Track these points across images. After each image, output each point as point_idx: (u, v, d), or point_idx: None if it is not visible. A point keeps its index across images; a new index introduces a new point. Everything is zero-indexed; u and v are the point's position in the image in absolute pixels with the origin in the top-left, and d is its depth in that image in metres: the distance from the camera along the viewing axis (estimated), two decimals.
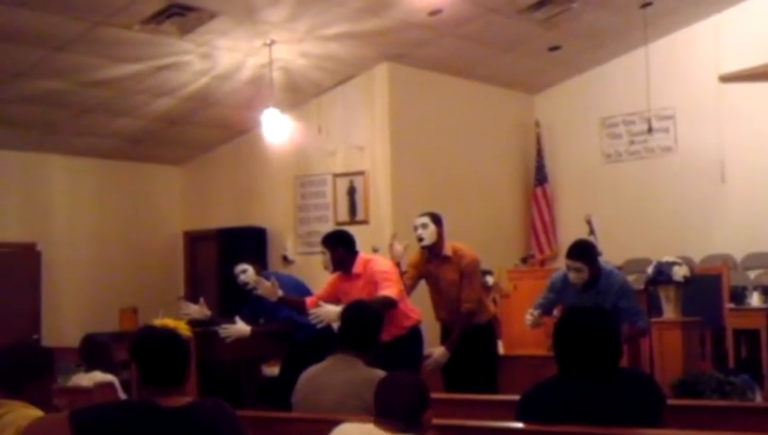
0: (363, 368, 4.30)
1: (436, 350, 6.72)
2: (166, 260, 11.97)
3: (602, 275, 6.25)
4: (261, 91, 9.97)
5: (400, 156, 10.51)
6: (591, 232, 7.39)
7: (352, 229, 7.15)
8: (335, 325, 6.48)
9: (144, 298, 10.70)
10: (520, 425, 3.65)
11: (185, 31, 8.69)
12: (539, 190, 11.88)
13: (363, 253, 6.66)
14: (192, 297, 11.54)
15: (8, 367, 3.71)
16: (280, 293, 6.68)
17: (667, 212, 11.15)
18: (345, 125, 10.74)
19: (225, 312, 10.34)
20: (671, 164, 11.27)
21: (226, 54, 9.44)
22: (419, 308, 6.68)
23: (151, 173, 12.10)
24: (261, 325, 7.21)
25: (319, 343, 6.62)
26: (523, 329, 6.85)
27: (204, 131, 11.47)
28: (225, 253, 11.43)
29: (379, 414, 3.38)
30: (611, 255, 8.26)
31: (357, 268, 6.41)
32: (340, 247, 6.48)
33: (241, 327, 6.93)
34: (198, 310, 7.18)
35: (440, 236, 6.70)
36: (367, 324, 4.55)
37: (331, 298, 6.42)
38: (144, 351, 3.26)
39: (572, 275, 6.20)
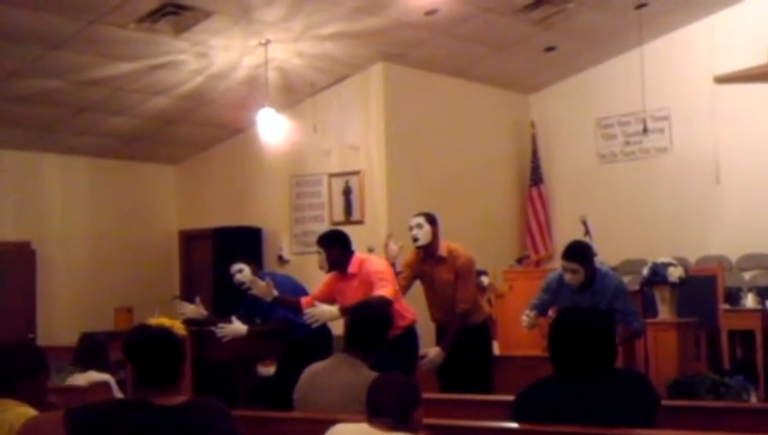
0: (365, 370, 4.29)
1: (431, 350, 6.72)
2: (161, 259, 11.96)
3: (598, 277, 6.26)
4: (256, 90, 9.97)
5: (396, 156, 10.51)
6: (587, 233, 7.39)
7: (348, 229, 7.15)
8: (330, 325, 6.52)
9: (139, 297, 10.68)
10: (515, 425, 3.65)
11: (180, 30, 8.68)
12: (534, 191, 11.89)
13: (359, 253, 6.66)
14: (187, 296, 11.53)
15: (3, 366, 3.71)
16: (275, 293, 6.69)
17: (662, 213, 11.16)
18: (340, 125, 10.74)
19: (221, 311, 10.32)
20: (666, 165, 11.29)
21: (222, 54, 9.43)
22: (414, 308, 6.68)
23: (146, 172, 12.08)
24: (257, 325, 7.21)
25: (315, 342, 6.63)
26: (519, 329, 6.85)
27: (199, 131, 11.46)
28: (220, 252, 11.41)
29: (371, 413, 3.41)
30: (606, 255, 8.27)
31: (352, 268, 6.41)
32: (335, 247, 6.48)
33: (237, 327, 6.93)
34: (195, 310, 7.19)
35: (435, 236, 6.71)
36: (375, 327, 4.55)
37: (327, 298, 6.42)
38: (139, 350, 3.25)
39: (568, 276, 6.21)
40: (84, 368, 6.05)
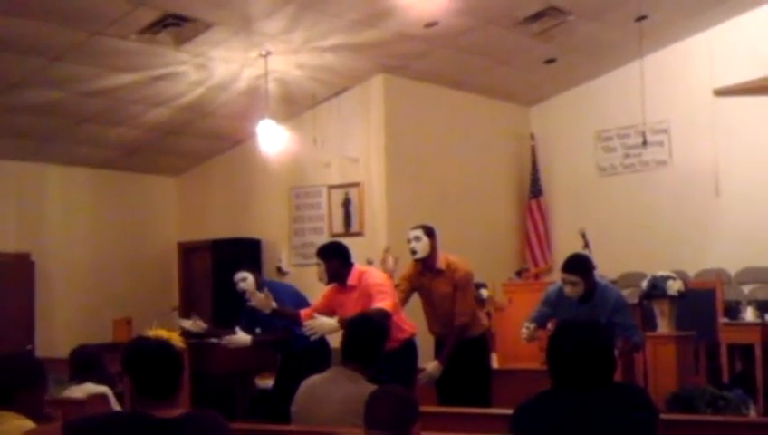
0: (363, 383, 4.29)
1: (429, 364, 6.71)
2: (160, 271, 11.95)
3: (597, 290, 6.26)
4: (256, 101, 9.98)
5: (395, 168, 10.52)
6: (586, 245, 7.41)
7: (347, 241, 7.15)
8: (329, 337, 6.51)
9: (138, 309, 10.66)
10: None
11: (181, 41, 8.70)
12: (534, 203, 11.89)
13: (358, 265, 6.66)
14: (186, 308, 11.55)
15: (1, 377, 3.70)
16: (273, 305, 6.69)
17: (661, 226, 11.16)
18: (340, 136, 10.75)
19: (220, 322, 10.35)
20: (666, 178, 11.29)
21: (222, 65, 9.45)
22: (413, 321, 6.68)
23: (146, 183, 12.08)
24: (260, 335, 7.22)
25: (313, 354, 6.63)
26: (518, 342, 6.85)
27: (199, 142, 11.47)
28: (219, 264, 11.41)
29: (369, 426, 3.40)
30: (606, 268, 8.28)
31: (352, 280, 6.40)
32: (334, 259, 6.48)
33: (242, 337, 7.03)
34: (193, 324, 7.20)
35: (433, 248, 6.71)
36: (372, 339, 4.54)
37: (326, 310, 6.42)
38: (136, 362, 3.25)
39: (568, 289, 6.21)
40: (81, 380, 6.02)
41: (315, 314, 6.35)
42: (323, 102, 10.80)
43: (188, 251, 12.04)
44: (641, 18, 9.90)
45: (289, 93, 10.34)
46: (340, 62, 9.83)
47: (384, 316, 6.02)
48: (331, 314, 6.32)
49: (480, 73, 10.89)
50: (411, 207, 10.36)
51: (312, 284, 7.51)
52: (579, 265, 6.24)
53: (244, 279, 7.26)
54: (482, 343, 6.90)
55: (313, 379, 4.51)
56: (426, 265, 6.75)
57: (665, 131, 11.24)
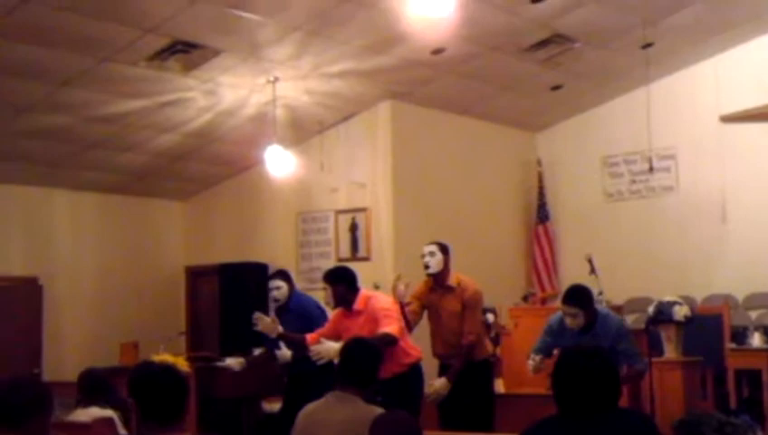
0: (362, 405, 4.30)
1: (437, 381, 6.69)
2: (167, 295, 11.95)
3: (599, 319, 6.28)
4: (264, 127, 10.02)
5: (402, 193, 10.54)
6: (592, 271, 7.41)
7: (354, 266, 7.16)
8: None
9: (145, 333, 10.66)
10: None
11: (189, 68, 8.76)
12: (540, 228, 11.89)
13: (365, 289, 6.69)
14: (194, 332, 11.57)
15: (8, 402, 3.71)
16: (279, 329, 6.74)
17: (668, 252, 11.14)
18: (348, 162, 10.78)
19: (227, 346, 10.35)
20: (672, 203, 11.29)
21: (230, 91, 9.50)
22: (419, 346, 6.68)
23: (154, 208, 12.12)
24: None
25: (321, 376, 6.62)
26: (524, 367, 6.84)
27: (207, 167, 11.51)
28: (226, 288, 11.42)
29: None
30: (612, 294, 8.28)
31: (358, 305, 6.43)
32: (341, 284, 6.51)
33: (285, 352, 7.00)
34: (270, 323, 6.90)
35: (446, 265, 6.78)
36: (366, 361, 4.55)
37: (333, 335, 6.44)
38: (142, 386, 3.26)
39: (569, 321, 6.24)
40: (87, 404, 6.02)
41: (321, 339, 6.36)
42: (331, 128, 10.84)
43: (195, 275, 12.05)
44: (647, 45, 9.94)
45: (296, 119, 10.38)
46: (347, 88, 9.87)
47: (390, 341, 6.05)
48: (337, 338, 6.33)
49: (487, 100, 10.93)
50: (418, 233, 10.34)
51: None
52: (578, 297, 6.26)
53: (278, 288, 7.30)
54: (486, 368, 6.90)
55: (311, 405, 4.53)
56: (437, 282, 6.79)
57: (671, 157, 11.25)
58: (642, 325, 8.33)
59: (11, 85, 8.61)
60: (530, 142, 12.38)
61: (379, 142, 10.61)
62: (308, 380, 6.77)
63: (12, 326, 10.24)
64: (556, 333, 6.45)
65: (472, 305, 6.75)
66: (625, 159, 11.62)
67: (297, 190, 10.98)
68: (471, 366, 6.71)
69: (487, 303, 8.12)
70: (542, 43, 9.57)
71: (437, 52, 9.28)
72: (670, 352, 8.05)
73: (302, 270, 11.16)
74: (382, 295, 6.87)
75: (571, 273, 8.69)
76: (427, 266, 6.75)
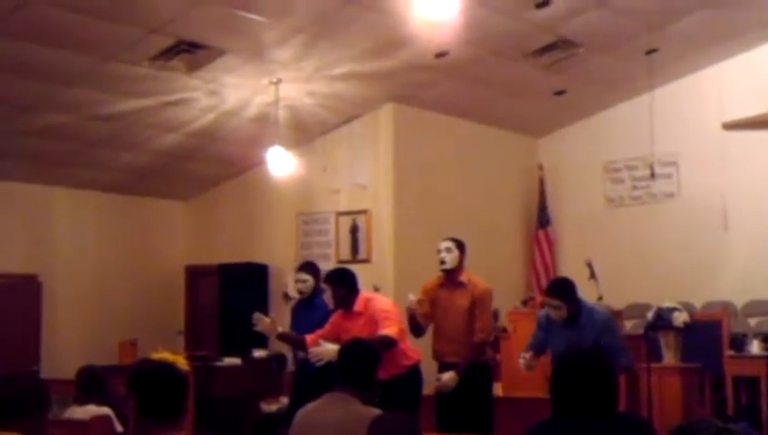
0: (359, 406, 4.30)
1: (445, 374, 6.66)
2: (166, 294, 11.96)
3: (584, 312, 6.28)
4: (266, 128, 10.04)
5: (403, 196, 10.55)
6: (592, 276, 7.40)
7: (354, 268, 7.17)
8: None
9: (144, 332, 10.69)
10: None
11: (193, 68, 8.77)
12: (541, 233, 11.89)
13: (365, 291, 6.69)
14: (192, 332, 11.58)
15: (6, 398, 3.71)
16: (279, 329, 6.74)
17: (668, 258, 11.14)
18: (349, 164, 10.79)
19: (226, 347, 10.37)
20: (673, 210, 11.29)
21: (233, 92, 9.52)
22: (419, 348, 6.68)
23: (155, 207, 12.14)
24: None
25: (326, 374, 6.61)
26: (521, 371, 6.85)
27: (209, 167, 11.53)
28: (225, 288, 11.46)
29: None
30: (612, 299, 8.26)
31: (358, 306, 6.44)
32: (342, 286, 6.51)
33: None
34: (270, 324, 6.85)
35: (461, 262, 6.76)
36: (364, 362, 4.55)
37: (332, 336, 6.43)
38: (142, 383, 3.27)
39: (552, 312, 6.27)
40: (84, 401, 6.02)
41: (320, 341, 6.36)
42: (333, 130, 10.86)
43: (195, 275, 12.06)
44: (651, 51, 9.94)
45: (299, 121, 10.40)
46: (350, 90, 9.89)
47: (389, 342, 6.05)
48: (336, 340, 6.33)
49: (489, 104, 10.94)
50: (418, 235, 10.38)
51: None
52: (560, 289, 6.31)
53: (304, 281, 7.27)
54: (485, 370, 6.90)
55: (309, 406, 4.52)
56: (449, 277, 6.78)
57: (673, 164, 11.25)
58: (641, 331, 8.33)
59: (14, 84, 8.64)
60: (532, 147, 12.39)
61: (381, 145, 10.63)
62: (314, 376, 6.75)
63: (11, 323, 10.26)
64: (545, 328, 6.47)
65: (483, 303, 6.75)
66: (627, 165, 11.62)
67: (298, 191, 11.00)
68: (473, 368, 6.70)
69: None
70: (546, 48, 9.57)
71: (440, 55, 9.29)
72: (669, 358, 8.05)
73: None
74: (382, 297, 6.87)
75: (571, 277, 8.66)
76: (442, 262, 6.75)
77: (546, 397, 3.60)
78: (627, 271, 10.93)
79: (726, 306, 10.23)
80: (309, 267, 7.48)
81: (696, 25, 9.63)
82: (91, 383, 6.16)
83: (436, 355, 6.91)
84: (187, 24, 7.96)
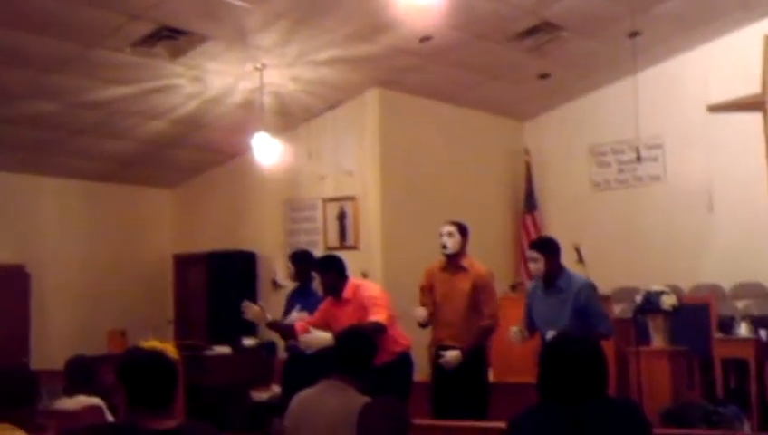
0: (355, 395, 4.29)
1: (450, 352, 6.63)
2: (155, 283, 11.94)
3: (563, 275, 6.41)
4: (251, 114, 10.00)
5: (390, 181, 10.53)
6: (580, 260, 7.39)
7: (342, 254, 7.15)
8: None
9: (133, 321, 10.66)
10: None
11: (176, 54, 8.72)
12: (528, 218, 11.89)
13: (353, 278, 6.68)
14: (182, 320, 11.54)
15: None
16: (269, 317, 6.73)
17: (655, 241, 11.17)
18: (335, 150, 10.77)
19: (215, 335, 10.34)
20: (659, 193, 11.31)
21: (217, 78, 9.47)
22: (409, 334, 6.68)
23: (141, 196, 12.09)
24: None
25: (318, 359, 6.60)
26: (513, 356, 6.87)
27: (194, 155, 11.48)
28: (214, 276, 11.43)
29: None
30: (600, 283, 8.21)
31: (347, 293, 6.43)
32: (330, 272, 6.51)
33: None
34: (259, 312, 6.80)
35: (463, 246, 6.76)
36: (361, 350, 4.55)
37: (322, 323, 6.43)
38: (131, 372, 3.24)
39: (531, 266, 6.47)
40: (73, 392, 5.99)
41: (310, 328, 6.35)
42: (318, 116, 10.83)
43: (183, 263, 12.03)
44: (635, 34, 9.94)
45: (284, 106, 10.36)
46: (334, 75, 9.85)
47: (378, 329, 6.04)
48: (326, 327, 6.32)
49: (474, 88, 10.92)
50: (406, 221, 10.38)
51: None
52: (541, 244, 6.56)
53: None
54: (483, 355, 6.89)
55: (304, 393, 4.52)
56: (450, 262, 6.78)
57: (659, 147, 11.27)
58: (630, 315, 8.35)
59: None
60: (517, 131, 12.38)
61: (367, 130, 10.60)
62: (308, 362, 6.74)
63: None
64: (530, 295, 6.63)
65: (488, 288, 6.76)
66: (612, 149, 11.63)
67: (285, 178, 10.96)
68: (472, 352, 6.69)
69: None
70: (530, 32, 9.56)
71: (425, 40, 9.26)
72: (657, 341, 8.07)
73: None
74: (371, 284, 6.87)
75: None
76: (444, 246, 6.76)
77: (535, 382, 3.59)
78: (614, 255, 10.94)
79: (714, 289, 10.26)
80: (300, 257, 7.56)
81: (679, 8, 9.63)
82: (80, 373, 6.13)
83: (434, 340, 6.90)
84: (168, 9, 7.90)
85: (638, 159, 10.45)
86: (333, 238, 10.78)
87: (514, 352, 6.98)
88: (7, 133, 9.81)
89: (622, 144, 11.38)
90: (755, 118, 10.60)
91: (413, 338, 6.72)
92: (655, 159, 11.28)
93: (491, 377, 7.83)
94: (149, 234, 12.11)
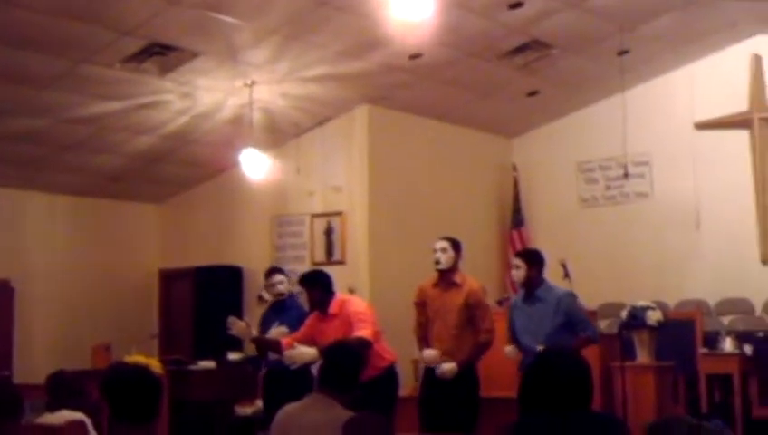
0: (340, 410, 4.29)
1: (446, 363, 6.61)
2: (140, 297, 11.91)
3: (543, 285, 6.63)
4: (240, 130, 10.01)
5: (378, 197, 10.55)
6: (566, 275, 7.42)
7: (329, 270, 7.16)
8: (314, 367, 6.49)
9: (118, 335, 10.57)
10: None
11: (166, 70, 8.74)
12: (515, 233, 11.91)
13: (340, 293, 6.69)
14: (167, 335, 11.52)
15: None
16: (253, 332, 6.74)
17: (641, 257, 11.21)
18: (324, 166, 10.78)
19: (200, 350, 10.32)
20: (647, 210, 11.35)
21: (207, 94, 9.49)
22: (395, 350, 6.69)
23: (129, 211, 12.07)
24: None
25: (298, 376, 6.61)
26: (499, 371, 6.89)
27: (183, 170, 11.48)
28: (200, 291, 11.42)
29: None
30: (586, 298, 8.28)
31: (333, 309, 6.44)
32: (317, 288, 6.52)
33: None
34: (244, 327, 6.83)
35: (456, 262, 6.77)
36: (348, 365, 4.55)
37: (307, 339, 6.43)
38: (114, 387, 3.25)
39: (513, 273, 6.72)
40: (56, 407, 5.95)
41: (295, 344, 6.36)
42: (307, 132, 10.85)
43: (169, 278, 12.01)
44: (623, 52, 9.99)
45: (273, 122, 10.38)
46: (324, 92, 9.88)
47: (364, 344, 6.04)
48: (311, 342, 6.33)
49: (463, 105, 10.96)
50: (393, 237, 10.40)
51: None
52: (526, 253, 6.92)
53: (281, 282, 7.37)
54: (474, 371, 6.87)
55: (289, 407, 4.52)
56: (443, 277, 6.79)
57: (646, 164, 11.32)
58: (615, 330, 8.37)
59: None
60: (506, 148, 12.42)
61: (356, 147, 10.62)
62: (289, 378, 6.75)
63: None
64: (512, 309, 6.85)
65: (483, 304, 6.77)
66: (600, 165, 11.67)
67: (273, 194, 10.97)
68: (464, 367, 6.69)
69: None
70: (519, 49, 9.61)
71: (415, 57, 9.30)
72: (643, 356, 8.09)
73: None
74: (357, 299, 6.88)
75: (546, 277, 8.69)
76: (437, 262, 6.76)
77: None
78: (600, 271, 10.97)
79: (700, 305, 10.30)
80: (279, 270, 7.59)
81: (667, 27, 9.70)
82: (61, 389, 6.09)
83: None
84: (159, 26, 7.93)
85: (626, 175, 10.51)
86: (320, 254, 10.78)
87: (500, 367, 6.99)
88: None
89: (610, 161, 11.42)
90: (742, 135, 10.70)
91: (397, 353, 6.73)
92: (642, 176, 11.33)
93: None
94: (136, 249, 12.09)
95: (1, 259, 10.62)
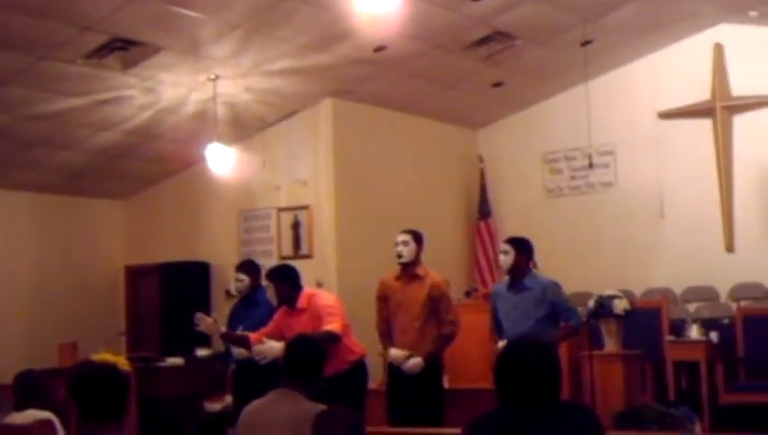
0: (305, 402, 4.29)
1: (412, 359, 6.62)
2: (106, 295, 11.81)
3: (529, 274, 6.64)
4: (205, 125, 9.96)
5: (344, 190, 10.53)
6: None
7: (296, 264, 7.15)
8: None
9: (84, 333, 10.49)
10: None
11: (128, 65, 8.67)
12: (482, 224, 11.95)
13: (307, 287, 6.68)
14: (134, 332, 11.44)
15: None
16: (222, 329, 6.71)
17: (607, 246, 11.28)
18: (289, 160, 10.75)
19: (168, 347, 10.27)
20: (611, 199, 11.43)
21: (170, 89, 9.42)
22: (364, 343, 6.69)
23: (92, 208, 11.95)
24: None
25: (267, 369, 6.58)
26: (468, 362, 6.91)
27: (147, 165, 11.40)
28: (167, 287, 11.35)
29: None
30: None
31: (301, 303, 6.43)
32: (284, 282, 6.50)
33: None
34: (212, 323, 6.74)
35: (418, 254, 6.76)
36: (310, 358, 4.55)
37: (276, 334, 6.42)
38: (82, 385, 3.22)
39: (501, 258, 6.68)
40: (23, 407, 5.89)
41: (264, 339, 6.34)
42: (272, 126, 10.81)
43: (136, 275, 11.93)
44: (586, 43, 10.05)
45: (238, 117, 10.33)
46: (288, 85, 9.85)
47: (333, 338, 6.05)
48: (280, 337, 6.31)
49: (428, 97, 10.97)
50: (360, 230, 10.39)
51: None
52: (516, 239, 6.80)
53: (240, 281, 7.30)
54: (437, 362, 6.89)
55: (255, 403, 4.51)
56: (405, 270, 6.78)
57: (610, 153, 11.38)
58: (583, 319, 8.41)
59: None
60: (471, 139, 12.45)
61: (321, 140, 10.60)
62: (257, 374, 6.72)
63: None
64: (495, 296, 6.83)
65: (441, 294, 6.76)
66: (565, 156, 11.73)
67: (239, 188, 10.91)
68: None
69: None
70: (483, 41, 9.62)
71: (379, 49, 9.29)
72: (610, 345, 8.16)
73: None
74: (325, 293, 6.87)
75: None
76: (399, 256, 6.75)
77: (490, 388, 3.62)
78: (567, 261, 11.02)
79: (665, 293, 10.38)
80: (246, 266, 7.50)
81: (629, 17, 9.75)
82: (29, 388, 6.03)
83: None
84: (120, 21, 7.86)
85: (591, 165, 10.57)
86: (288, 248, 10.75)
87: (468, 358, 7.01)
88: None
89: (575, 151, 11.48)
90: (705, 124, 10.79)
91: (366, 346, 6.73)
92: (606, 166, 11.40)
93: (446, 383, 7.87)
94: (101, 245, 11.98)
95: None
